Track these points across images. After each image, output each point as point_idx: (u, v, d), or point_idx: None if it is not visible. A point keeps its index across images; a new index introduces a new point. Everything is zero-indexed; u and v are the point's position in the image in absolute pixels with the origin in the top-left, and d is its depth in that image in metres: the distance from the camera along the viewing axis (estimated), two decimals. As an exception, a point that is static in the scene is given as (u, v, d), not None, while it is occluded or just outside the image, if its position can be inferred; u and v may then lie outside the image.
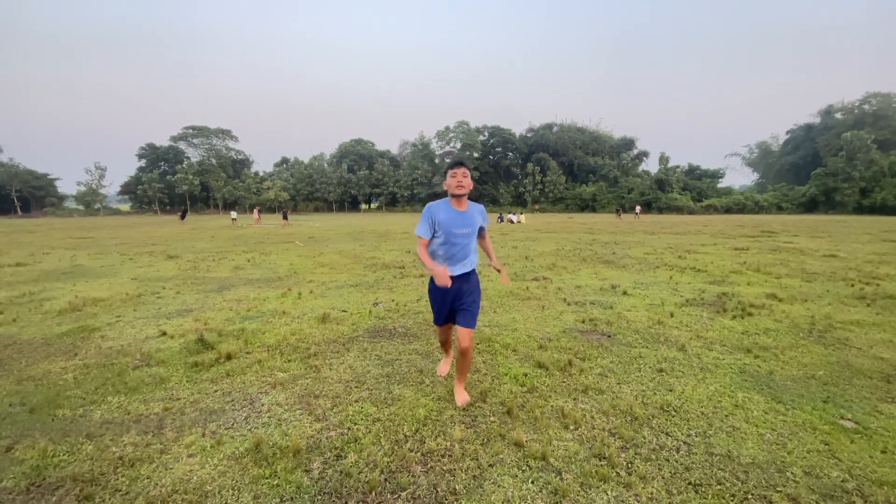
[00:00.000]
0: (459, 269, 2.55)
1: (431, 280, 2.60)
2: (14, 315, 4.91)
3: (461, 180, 2.45)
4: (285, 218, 31.73)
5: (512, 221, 28.32)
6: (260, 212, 38.65)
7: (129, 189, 71.04)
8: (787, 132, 74.94)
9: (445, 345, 3.10)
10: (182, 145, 74.18)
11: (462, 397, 2.68)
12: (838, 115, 65.97)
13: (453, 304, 2.62)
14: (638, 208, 40.10)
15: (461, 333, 2.52)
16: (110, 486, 1.94)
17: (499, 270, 2.90)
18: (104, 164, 67.06)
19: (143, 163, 72.92)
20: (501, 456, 2.14)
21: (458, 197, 2.51)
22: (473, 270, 2.65)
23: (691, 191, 60.27)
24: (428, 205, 2.50)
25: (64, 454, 2.19)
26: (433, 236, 2.54)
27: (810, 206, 52.89)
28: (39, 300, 5.70)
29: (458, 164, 2.48)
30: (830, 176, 51.98)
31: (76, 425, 2.47)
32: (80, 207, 67.62)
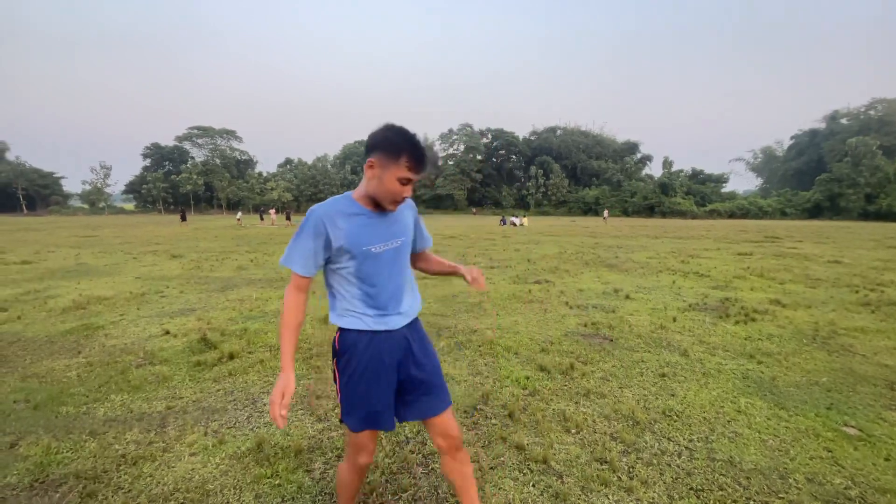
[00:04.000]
0: (397, 321, 1.41)
1: (343, 338, 1.39)
2: (19, 312, 4.94)
3: (406, 192, 1.32)
4: (288, 219, 32.14)
5: (515, 224, 28.32)
6: (276, 212, 39.34)
7: (133, 188, 71.61)
8: (792, 137, 74.93)
9: (351, 491, 1.56)
10: (187, 145, 74.74)
11: None
12: (844, 121, 65.86)
13: (400, 380, 1.42)
14: (606, 212, 42.35)
15: (446, 424, 1.44)
16: (113, 483, 1.95)
17: (466, 279, 1.56)
18: (109, 164, 67.89)
19: (147, 162, 73.49)
20: (503, 458, 2.14)
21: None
22: (417, 319, 1.51)
23: (695, 195, 60.09)
24: (313, 209, 1.32)
25: (67, 451, 2.20)
26: (329, 267, 1.37)
27: (814, 212, 52.67)
28: (44, 298, 5.74)
29: (421, 161, 1.27)
30: (835, 182, 51.78)
31: (79, 423, 2.49)
32: (85, 206, 68.17)
